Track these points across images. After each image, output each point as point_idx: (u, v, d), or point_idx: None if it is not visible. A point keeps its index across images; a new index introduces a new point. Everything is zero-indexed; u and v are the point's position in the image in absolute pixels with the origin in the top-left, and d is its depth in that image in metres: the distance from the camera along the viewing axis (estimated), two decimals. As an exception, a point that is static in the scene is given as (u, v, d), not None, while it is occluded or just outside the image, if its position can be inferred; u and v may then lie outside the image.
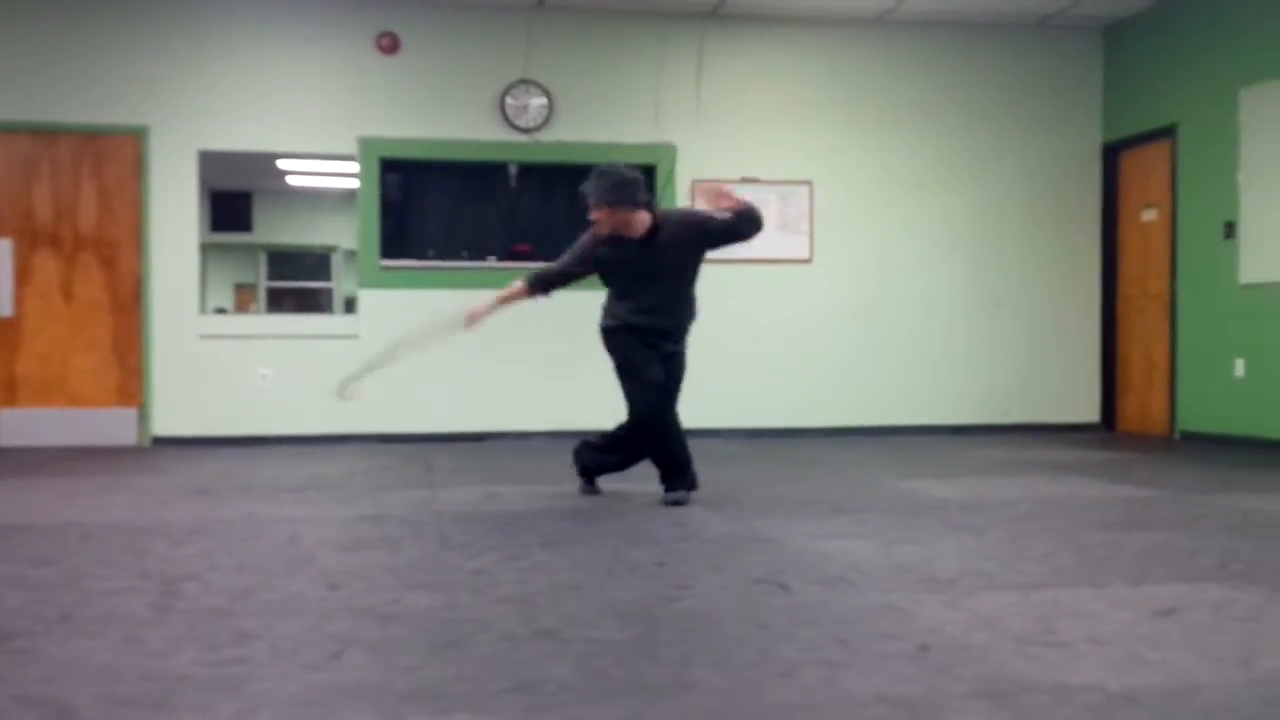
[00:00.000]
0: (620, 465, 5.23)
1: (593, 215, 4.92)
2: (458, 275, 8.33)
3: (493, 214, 8.79)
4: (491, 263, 8.44)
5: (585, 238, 5.07)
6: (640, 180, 4.92)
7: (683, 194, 8.53)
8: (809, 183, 8.69)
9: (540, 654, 2.49)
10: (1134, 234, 8.85)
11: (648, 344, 4.96)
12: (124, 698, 2.18)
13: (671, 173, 8.53)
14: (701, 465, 5.78)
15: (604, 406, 8.49)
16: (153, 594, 3.11)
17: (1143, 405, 8.75)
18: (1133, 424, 8.84)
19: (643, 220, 4.92)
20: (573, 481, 5.47)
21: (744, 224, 4.94)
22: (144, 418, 7.96)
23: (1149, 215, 8.67)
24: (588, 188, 4.89)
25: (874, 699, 2.17)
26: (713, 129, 8.64)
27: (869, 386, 8.79)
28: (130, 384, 7.98)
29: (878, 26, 8.82)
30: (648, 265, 4.95)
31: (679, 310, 5.07)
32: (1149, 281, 8.68)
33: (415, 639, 2.63)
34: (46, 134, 7.88)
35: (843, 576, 3.31)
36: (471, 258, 8.46)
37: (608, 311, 5.06)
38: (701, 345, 8.62)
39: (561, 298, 8.47)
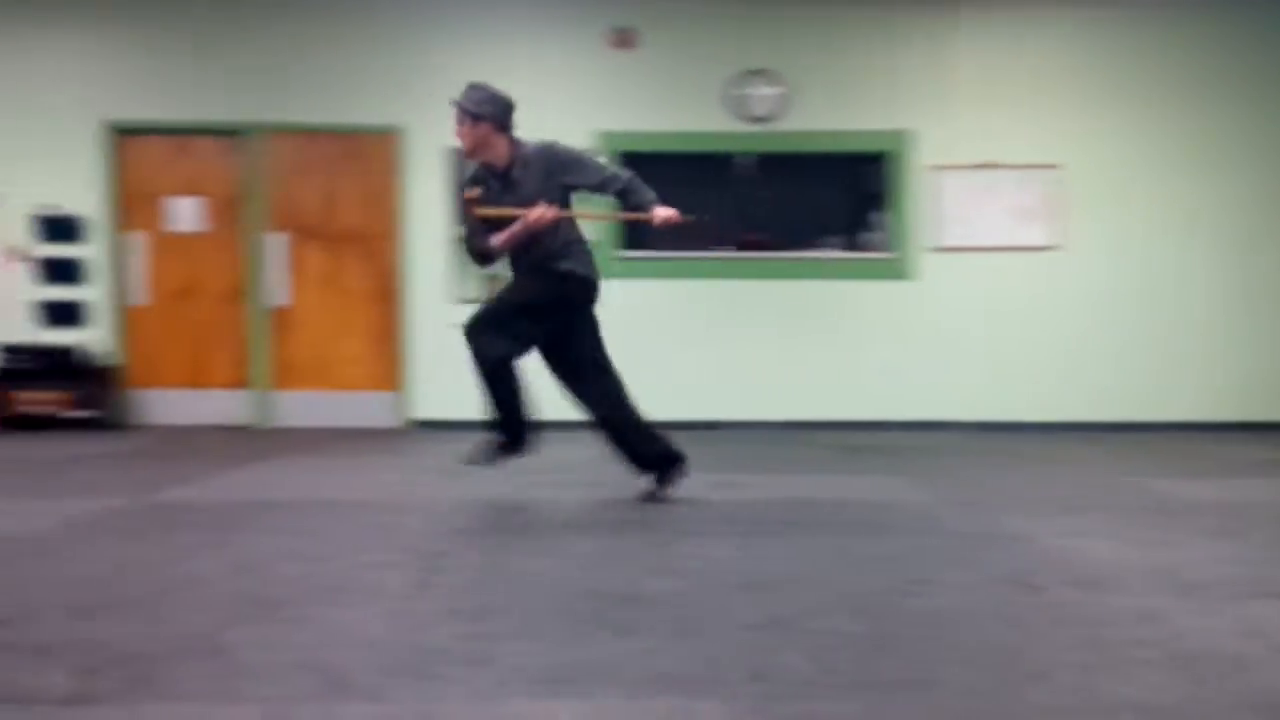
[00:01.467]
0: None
1: (456, 130, 4.65)
2: (694, 265, 8.43)
3: (727, 204, 8.84)
4: (726, 252, 8.50)
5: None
6: (512, 106, 4.68)
7: (920, 182, 8.36)
8: (1056, 167, 8.36)
9: (776, 644, 2.52)
10: None
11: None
12: (390, 666, 2.33)
13: (908, 160, 8.38)
14: (937, 460, 5.67)
15: (837, 394, 8.45)
16: (413, 569, 3.30)
17: None
18: None
19: (504, 147, 4.64)
20: (804, 470, 5.45)
21: (635, 193, 4.63)
22: (403, 401, 8.41)
23: None
24: (458, 97, 4.65)
25: (1129, 706, 2.10)
26: (952, 114, 8.42)
27: (1116, 380, 8.39)
28: (390, 369, 8.44)
29: (1129, 3, 8.40)
30: (507, 202, 4.60)
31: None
32: None
33: (655, 622, 2.70)
34: (313, 135, 8.41)
35: (1095, 578, 3.20)
36: (706, 249, 8.54)
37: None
38: (938, 335, 8.47)
39: (796, 284, 8.50)
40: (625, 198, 4.69)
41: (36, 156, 8.30)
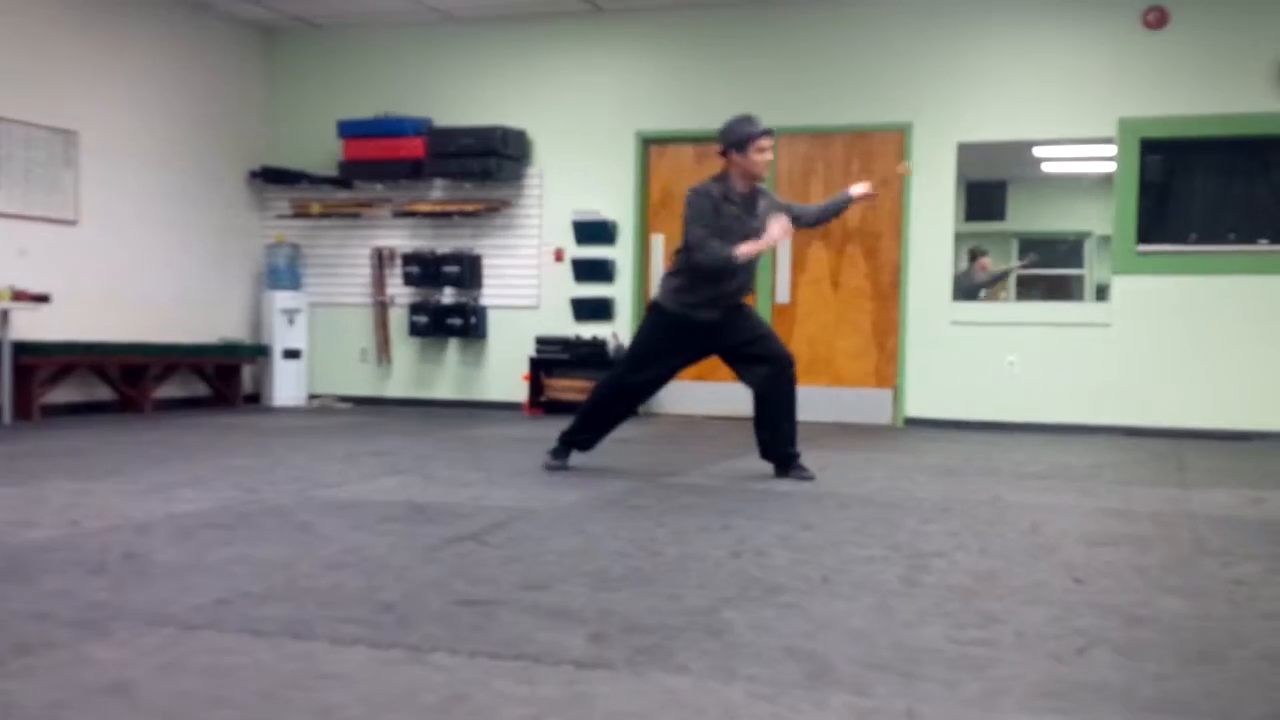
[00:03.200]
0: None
1: (768, 149, 5.02)
2: (1222, 259, 7.72)
3: (1265, 193, 8.00)
4: (1263, 245, 7.68)
5: (703, 196, 5.05)
6: None
7: None
8: None
9: (1309, 682, 2.26)
10: None
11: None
12: (875, 662, 2.36)
13: None
14: None
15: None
16: (902, 566, 3.31)
17: None
18: None
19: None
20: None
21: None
22: (898, 398, 8.42)
23: None
24: (747, 130, 4.98)
25: None
26: None
27: None
28: (887, 366, 8.48)
29: None
30: (747, 224, 5.02)
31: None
32: None
33: (1165, 646, 2.52)
34: (822, 135, 8.61)
35: None
36: (1239, 240, 7.77)
37: (670, 283, 5.20)
38: None
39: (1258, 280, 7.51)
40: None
41: (576, 167, 9.18)
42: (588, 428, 5.34)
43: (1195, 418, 7.74)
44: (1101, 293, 8.43)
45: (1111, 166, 8.06)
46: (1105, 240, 8.47)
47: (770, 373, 5.17)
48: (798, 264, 8.65)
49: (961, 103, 8.28)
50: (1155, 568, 3.37)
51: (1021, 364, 8.14)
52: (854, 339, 8.56)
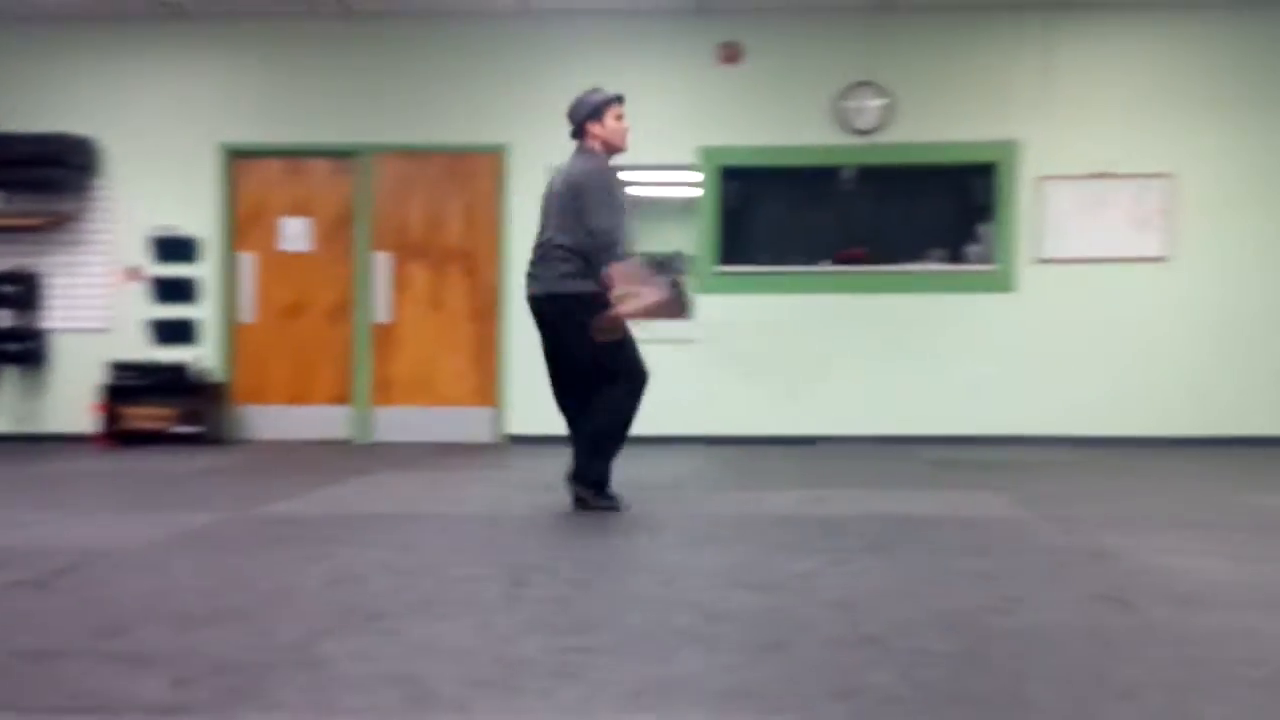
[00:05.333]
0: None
1: (618, 118, 4.85)
2: (791, 280, 8.41)
3: (827, 218, 8.80)
4: (824, 266, 8.45)
5: (610, 174, 4.75)
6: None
7: (1026, 192, 8.22)
8: (1168, 176, 8.15)
9: (864, 661, 2.50)
10: None
11: None
12: (477, 679, 2.37)
13: (1015, 171, 8.24)
14: (1036, 474, 5.56)
15: (937, 408, 8.32)
16: (503, 582, 3.35)
17: None
18: None
19: None
20: (900, 485, 5.39)
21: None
22: (499, 417, 8.52)
23: None
24: (597, 98, 4.83)
25: (1221, 730, 2.05)
26: (1061, 124, 8.26)
27: (1223, 393, 8.13)
28: (488, 385, 8.56)
29: (1246, 7, 8.15)
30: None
31: None
32: None
33: (742, 638, 2.70)
34: (419, 154, 8.59)
35: (1191, 595, 3.11)
36: (805, 262, 8.50)
37: (577, 265, 4.67)
38: (1040, 348, 8.29)
39: (897, 298, 8.39)
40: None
41: (154, 179, 8.62)
42: (615, 451, 4.84)
43: (771, 426, 8.36)
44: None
45: (695, 192, 8.57)
46: (691, 260, 8.98)
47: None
48: (400, 284, 8.57)
49: (557, 127, 8.47)
50: (733, 566, 3.60)
51: (616, 379, 8.46)
52: (456, 359, 8.58)
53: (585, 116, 4.86)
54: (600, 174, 4.71)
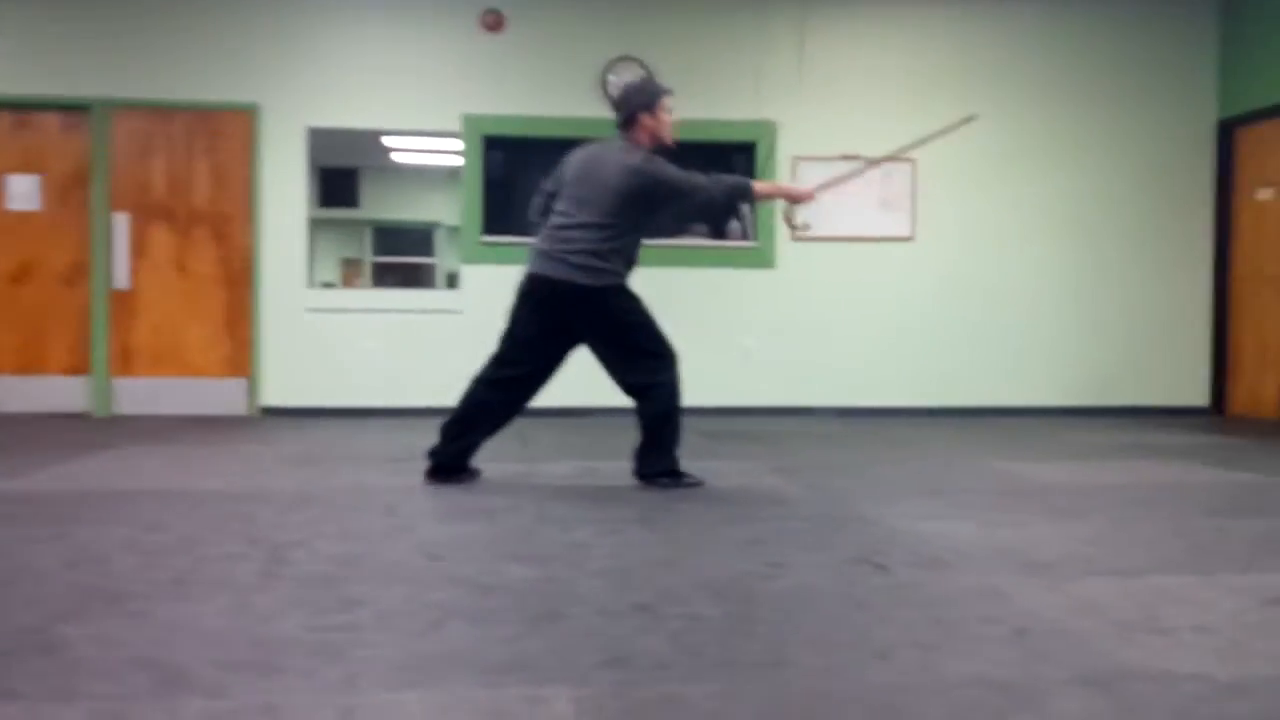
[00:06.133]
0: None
1: (668, 111, 4.77)
2: (557, 251, 8.39)
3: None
4: (591, 239, 8.47)
5: (660, 162, 4.69)
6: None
7: (784, 170, 8.47)
8: (912, 160, 8.56)
9: (635, 629, 2.51)
10: (1249, 213, 8.55)
11: None
12: (233, 661, 2.25)
13: (773, 149, 8.47)
14: (798, 445, 5.77)
15: (703, 381, 8.50)
16: (260, 560, 3.20)
17: (1254, 389, 8.47)
18: (1243, 408, 8.57)
19: None
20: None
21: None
22: (253, 388, 8.18)
23: (1265, 194, 8.37)
24: (653, 88, 4.77)
25: (970, 682, 2.15)
26: (815, 105, 8.54)
27: (970, 366, 8.65)
28: (240, 355, 8.19)
29: (982, 2, 8.63)
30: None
31: None
32: (1263, 262, 8.38)
33: (512, 610, 2.67)
34: (163, 111, 8.10)
35: (941, 558, 3.28)
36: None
37: (613, 261, 4.64)
38: (801, 323, 8.59)
39: (662, 271, 8.51)
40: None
41: None
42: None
43: (543, 398, 8.28)
44: (453, 280, 8.79)
45: (458, 160, 8.43)
46: (455, 230, 8.84)
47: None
48: (138, 248, 8.08)
49: (310, 87, 8.20)
50: (503, 538, 3.57)
51: (379, 350, 8.27)
52: (204, 327, 8.16)
53: (639, 106, 4.71)
54: (655, 167, 4.60)
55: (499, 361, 4.81)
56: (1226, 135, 8.70)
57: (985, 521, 3.91)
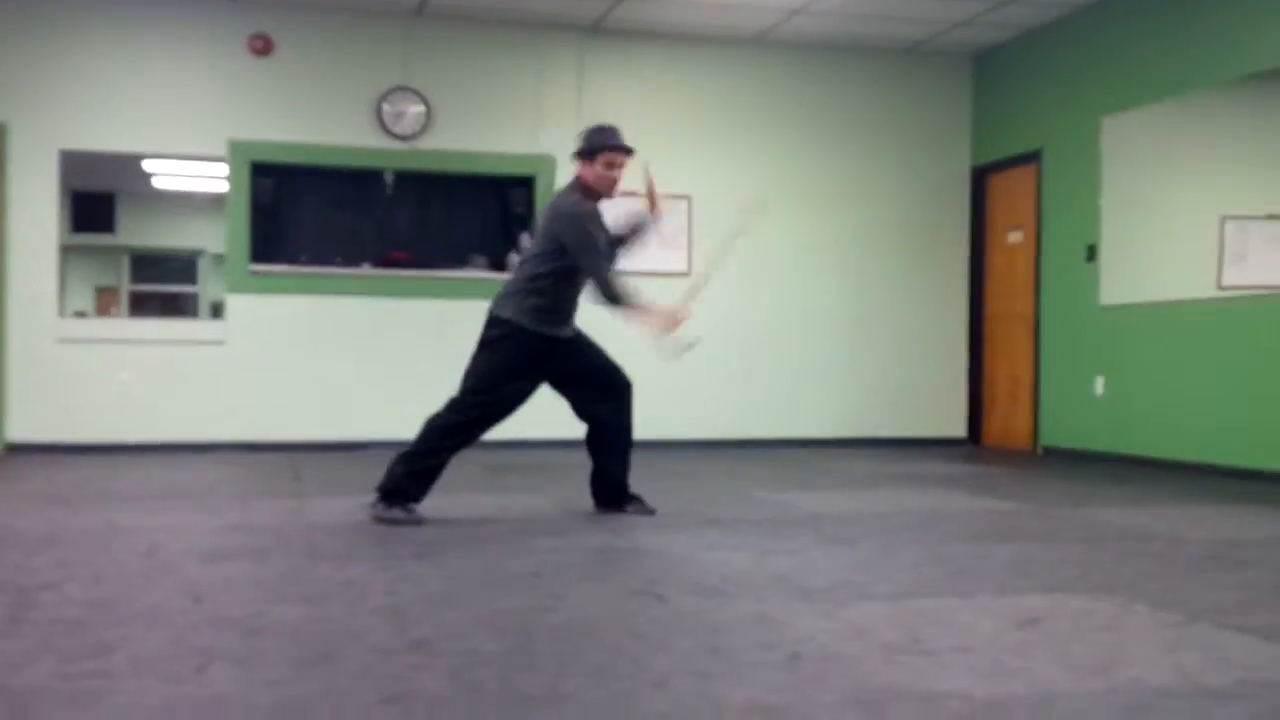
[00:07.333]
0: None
1: (618, 166, 4.63)
2: (332, 281, 8.18)
3: (368, 221, 8.66)
4: (366, 269, 8.31)
5: (594, 217, 4.58)
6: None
7: (563, 205, 8.51)
8: (688, 198, 8.75)
9: (413, 666, 2.44)
10: (1001, 255, 9.13)
11: None
12: (-31, 715, 2.08)
13: (551, 184, 8.51)
14: (576, 477, 5.76)
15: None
16: (6, 605, 2.97)
17: (1007, 421, 9.02)
18: (998, 439, 9.11)
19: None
20: (449, 490, 5.38)
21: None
22: (-3, 424, 7.62)
23: (1015, 237, 8.95)
24: (599, 140, 4.61)
25: (745, 708, 2.19)
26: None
27: (743, 400, 8.87)
28: (-18, 388, 7.62)
29: (755, 47, 8.93)
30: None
31: None
32: (1014, 301, 8.95)
33: (282, 652, 2.56)
34: (-105, 125, 7.50)
35: (717, 587, 3.33)
36: (346, 264, 8.31)
37: (531, 300, 4.55)
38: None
39: (441, 303, 8.40)
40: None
41: None
42: (422, 475, 4.57)
43: (310, 430, 8.08)
44: (217, 310, 8.45)
45: (224, 186, 8.12)
46: (220, 258, 8.51)
47: (619, 404, 4.96)
48: None
49: (64, 106, 7.76)
50: (273, 578, 3.43)
51: (136, 383, 7.85)
52: (-58, 358, 7.57)
53: (578, 151, 4.63)
54: (576, 218, 4.49)
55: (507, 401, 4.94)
56: (980, 181, 9.27)
57: (759, 550, 4.00)
